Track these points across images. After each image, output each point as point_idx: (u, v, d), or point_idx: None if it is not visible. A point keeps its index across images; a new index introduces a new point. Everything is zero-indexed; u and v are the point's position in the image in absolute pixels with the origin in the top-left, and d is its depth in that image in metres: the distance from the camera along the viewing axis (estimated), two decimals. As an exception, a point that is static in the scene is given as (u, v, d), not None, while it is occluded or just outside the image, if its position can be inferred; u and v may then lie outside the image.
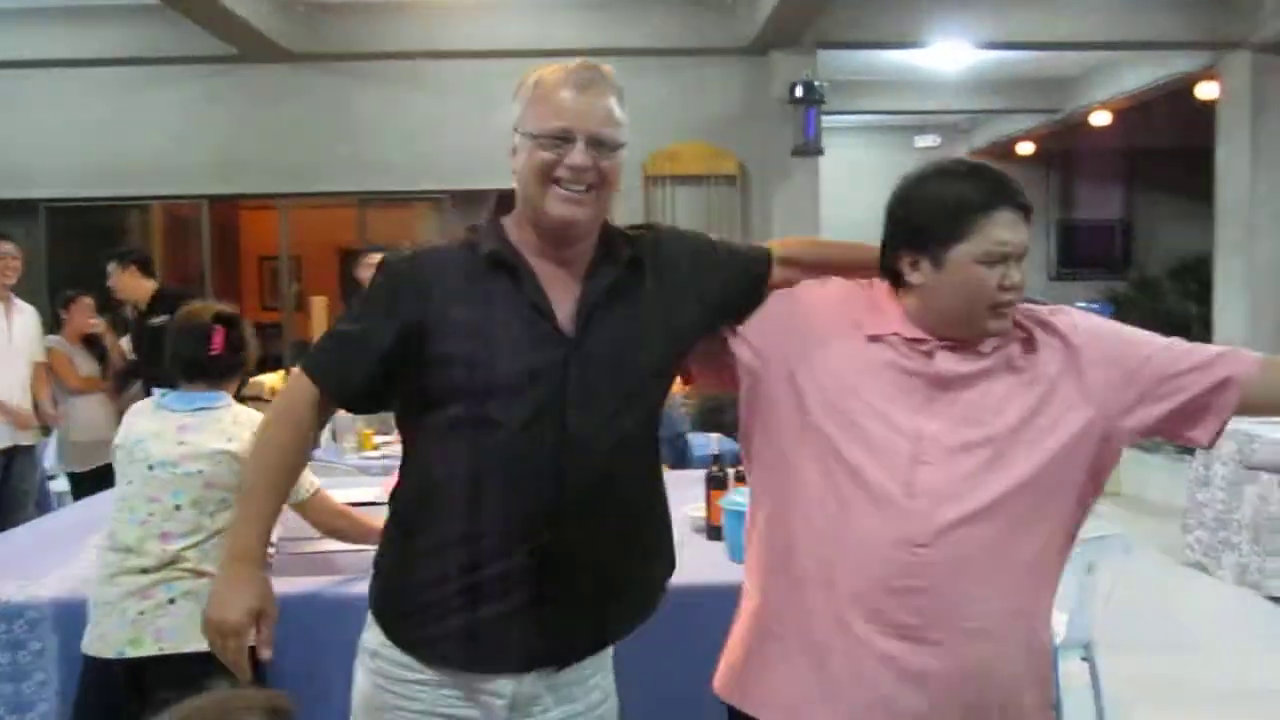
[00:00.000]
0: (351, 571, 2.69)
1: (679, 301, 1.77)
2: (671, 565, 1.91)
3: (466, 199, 8.55)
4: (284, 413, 1.77)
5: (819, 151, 7.95)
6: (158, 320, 5.22)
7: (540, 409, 1.64)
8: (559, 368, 1.65)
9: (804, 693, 1.71)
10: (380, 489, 3.63)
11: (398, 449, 4.88)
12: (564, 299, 1.69)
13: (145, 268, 5.77)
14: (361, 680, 1.80)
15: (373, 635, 1.78)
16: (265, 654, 1.73)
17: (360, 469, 4.44)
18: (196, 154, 8.30)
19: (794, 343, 1.78)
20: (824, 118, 8.02)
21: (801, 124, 7.85)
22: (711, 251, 1.85)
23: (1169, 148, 10.92)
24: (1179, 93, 9.13)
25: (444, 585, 1.68)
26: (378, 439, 5.02)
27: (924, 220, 1.69)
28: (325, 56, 8.18)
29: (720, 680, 1.86)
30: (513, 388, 1.64)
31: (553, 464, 1.65)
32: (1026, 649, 1.71)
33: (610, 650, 1.86)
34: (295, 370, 1.78)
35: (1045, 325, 1.75)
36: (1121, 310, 10.25)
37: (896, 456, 1.66)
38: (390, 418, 6.04)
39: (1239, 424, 6.03)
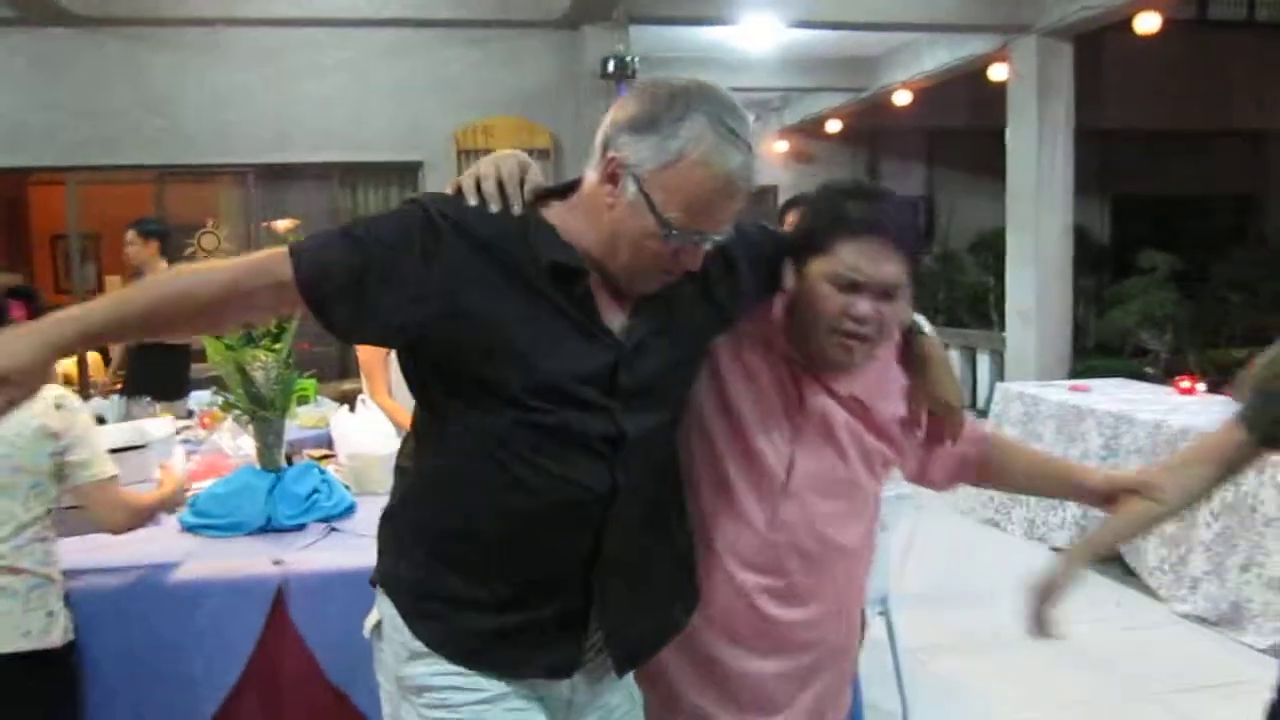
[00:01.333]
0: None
1: (712, 304, 1.68)
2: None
3: (271, 173, 8.26)
4: (236, 265, 1.53)
5: (632, 126, 7.97)
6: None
7: (589, 409, 1.53)
8: (607, 371, 1.54)
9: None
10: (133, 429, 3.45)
11: (198, 434, 4.67)
12: (616, 306, 1.58)
13: None
14: None
15: (416, 667, 1.60)
16: None
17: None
18: (-30, 124, 7.73)
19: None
20: (637, 93, 8.05)
21: (614, 99, 7.85)
22: (751, 245, 1.73)
23: (965, 127, 11.45)
24: (973, 74, 9.57)
25: (497, 587, 1.58)
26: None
27: (804, 227, 1.70)
28: (115, 21, 7.70)
29: None
30: (560, 389, 1.51)
31: (603, 472, 1.55)
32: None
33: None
34: (282, 248, 1.52)
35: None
36: (927, 283, 10.72)
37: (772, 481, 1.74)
38: (181, 405, 5.72)
39: (1025, 386, 6.39)
